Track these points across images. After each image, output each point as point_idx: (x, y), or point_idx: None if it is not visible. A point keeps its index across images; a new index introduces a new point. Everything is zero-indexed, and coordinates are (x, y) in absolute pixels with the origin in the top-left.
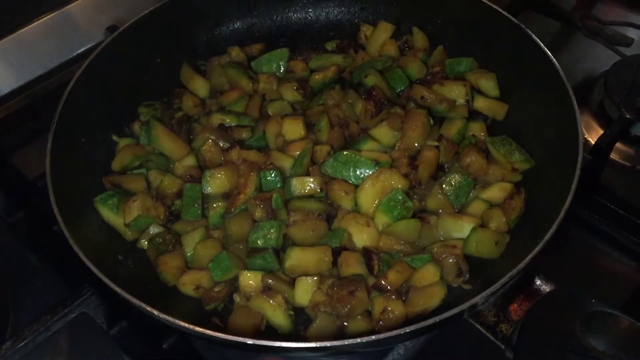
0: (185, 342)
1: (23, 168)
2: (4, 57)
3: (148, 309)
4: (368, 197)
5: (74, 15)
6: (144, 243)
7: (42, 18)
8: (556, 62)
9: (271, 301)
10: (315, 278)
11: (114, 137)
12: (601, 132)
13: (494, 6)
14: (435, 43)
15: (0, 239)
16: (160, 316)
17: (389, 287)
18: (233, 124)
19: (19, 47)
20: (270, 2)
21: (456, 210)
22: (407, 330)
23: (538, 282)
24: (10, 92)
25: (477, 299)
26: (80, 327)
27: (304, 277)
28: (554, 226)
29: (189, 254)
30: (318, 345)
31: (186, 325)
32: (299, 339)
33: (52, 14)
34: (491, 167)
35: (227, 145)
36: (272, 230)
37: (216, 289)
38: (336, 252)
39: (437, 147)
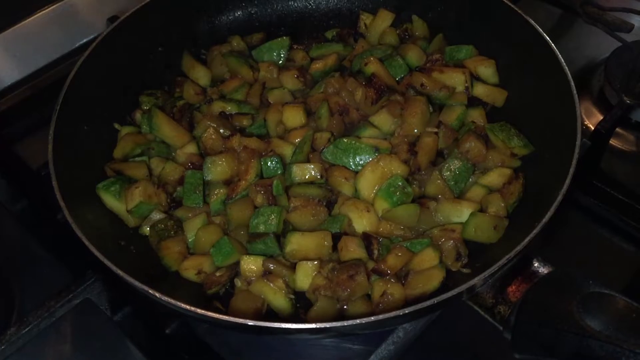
0: (187, 328)
1: (26, 158)
2: (7, 49)
3: (151, 291)
4: (368, 183)
5: (76, 6)
6: (146, 229)
7: (44, 9)
8: (555, 49)
9: (272, 285)
10: (315, 262)
11: (116, 125)
12: (601, 118)
13: None
14: (435, 31)
15: (5, 227)
16: (163, 299)
17: (388, 271)
18: (234, 112)
19: (21, 38)
20: None
21: (455, 196)
22: (406, 312)
23: (536, 264)
24: (14, 83)
25: (476, 280)
26: (84, 313)
27: (304, 262)
28: (552, 209)
29: (190, 240)
30: (318, 327)
31: (189, 307)
32: (299, 321)
33: (55, 6)
34: (490, 152)
35: (228, 132)
36: (272, 216)
37: (217, 274)
38: (336, 237)
39: (436, 133)
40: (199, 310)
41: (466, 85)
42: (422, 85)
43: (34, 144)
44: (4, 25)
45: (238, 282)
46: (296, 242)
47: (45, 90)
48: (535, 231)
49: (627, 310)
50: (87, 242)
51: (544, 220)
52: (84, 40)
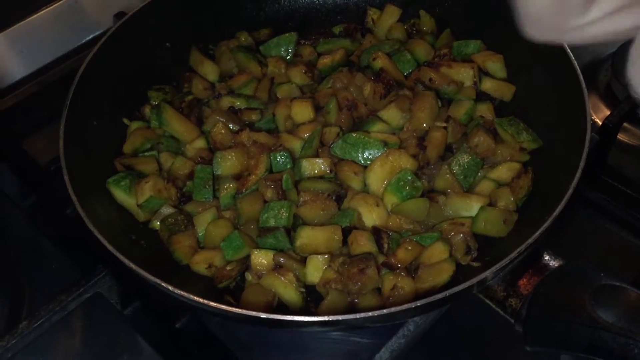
0: (197, 322)
1: (34, 154)
2: (14, 45)
3: (163, 284)
4: (377, 178)
5: (82, 2)
6: (156, 224)
7: (50, 6)
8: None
9: (282, 278)
10: (325, 256)
11: (125, 121)
12: (608, 113)
13: None
14: (442, 26)
15: (15, 223)
16: (176, 292)
17: (398, 265)
18: (242, 107)
19: (28, 34)
20: None
21: (464, 190)
22: (418, 304)
23: (547, 257)
24: (21, 79)
25: (487, 273)
26: (95, 307)
27: (314, 256)
28: (563, 202)
29: (200, 234)
30: (330, 319)
31: (202, 300)
32: (310, 314)
33: (61, 2)
34: (499, 147)
35: (237, 127)
36: (282, 210)
37: (228, 268)
38: (346, 231)
39: (445, 128)
40: (212, 303)
41: (474, 80)
42: (430, 80)
43: (41, 140)
44: (10, 21)
45: (249, 276)
46: (306, 236)
47: (52, 86)
48: (546, 224)
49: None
50: (99, 236)
51: (555, 213)
52: (90, 37)
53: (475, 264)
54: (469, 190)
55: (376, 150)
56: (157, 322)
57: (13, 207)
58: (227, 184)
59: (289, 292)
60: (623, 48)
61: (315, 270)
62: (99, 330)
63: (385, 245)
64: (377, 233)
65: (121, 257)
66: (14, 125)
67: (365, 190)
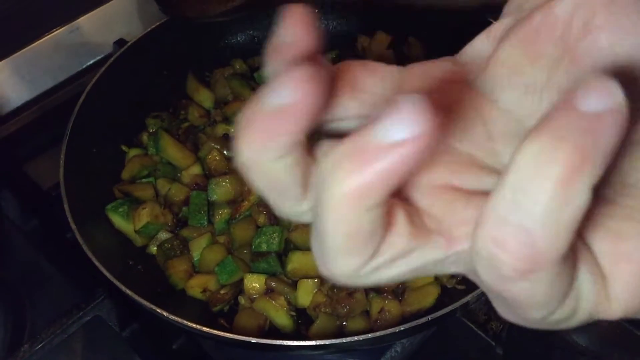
0: (193, 343)
1: (36, 178)
2: (16, 71)
3: (158, 310)
4: None
5: (84, 28)
6: (153, 249)
7: (52, 33)
8: None
9: (274, 302)
10: (316, 280)
11: (123, 148)
12: None
13: (491, 20)
14: (432, 52)
15: (17, 246)
16: (170, 317)
17: (385, 288)
18: None
19: (30, 60)
20: (270, 15)
21: None
22: (402, 329)
23: None
24: (23, 104)
25: (468, 298)
26: (94, 329)
27: (305, 279)
28: None
29: (196, 259)
30: (318, 343)
31: (194, 325)
32: (301, 338)
33: (62, 29)
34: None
35: (231, 154)
36: (274, 235)
37: (222, 292)
38: None
39: None
40: (204, 329)
41: None
42: None
43: (43, 164)
44: (13, 48)
45: (242, 300)
46: (297, 261)
47: (54, 111)
48: None
49: (611, 327)
50: (97, 263)
51: None
52: (91, 62)
53: (460, 287)
54: None
55: None
56: (155, 343)
57: (15, 231)
58: (222, 210)
59: (280, 315)
60: None
61: (306, 293)
62: (99, 352)
63: None
64: None
65: (118, 284)
66: (17, 150)
67: None
